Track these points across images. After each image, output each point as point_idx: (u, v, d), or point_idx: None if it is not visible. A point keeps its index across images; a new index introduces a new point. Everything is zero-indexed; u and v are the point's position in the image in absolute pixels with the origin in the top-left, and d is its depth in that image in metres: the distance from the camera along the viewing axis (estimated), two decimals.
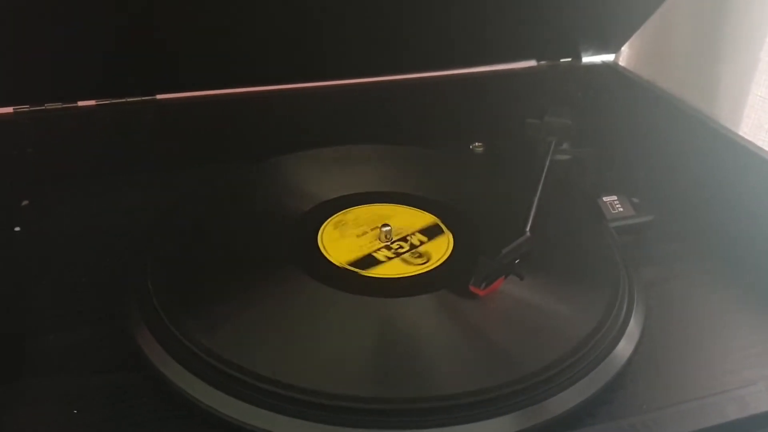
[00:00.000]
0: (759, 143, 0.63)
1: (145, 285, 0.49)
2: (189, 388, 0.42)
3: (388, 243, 0.54)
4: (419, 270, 0.52)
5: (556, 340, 0.46)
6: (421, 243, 0.54)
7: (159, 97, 0.66)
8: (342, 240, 0.55)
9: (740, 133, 0.67)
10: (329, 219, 0.57)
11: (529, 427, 0.41)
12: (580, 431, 0.37)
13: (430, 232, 0.56)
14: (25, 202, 0.63)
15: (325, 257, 0.52)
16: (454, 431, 0.40)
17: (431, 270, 0.52)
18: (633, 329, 0.48)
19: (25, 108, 0.63)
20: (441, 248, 0.54)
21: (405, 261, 0.52)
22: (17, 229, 0.59)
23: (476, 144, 0.72)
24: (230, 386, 0.42)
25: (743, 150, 0.62)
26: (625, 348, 0.47)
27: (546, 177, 0.60)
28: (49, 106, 0.63)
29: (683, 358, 0.49)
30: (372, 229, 0.55)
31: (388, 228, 0.54)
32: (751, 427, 0.36)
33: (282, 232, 0.55)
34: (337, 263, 0.52)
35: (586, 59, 0.79)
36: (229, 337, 0.45)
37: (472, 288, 0.49)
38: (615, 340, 0.47)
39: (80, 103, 0.64)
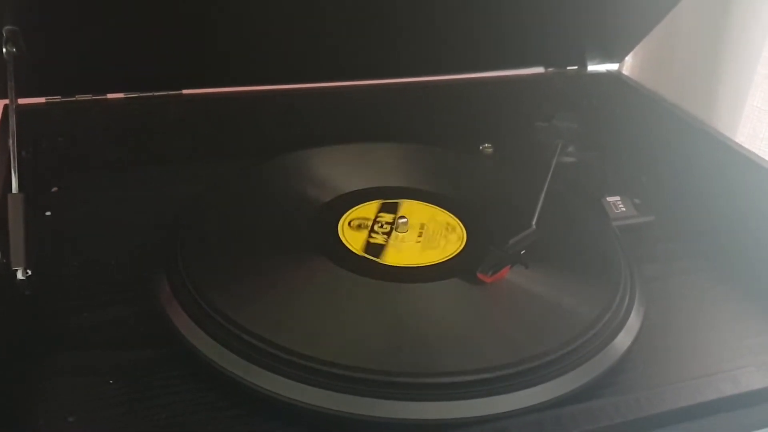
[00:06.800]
0: (755, 152, 0.66)
1: (176, 264, 0.51)
2: (218, 359, 0.45)
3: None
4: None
5: (565, 326, 0.48)
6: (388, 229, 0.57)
7: (185, 92, 0.68)
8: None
9: (737, 141, 0.69)
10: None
11: (537, 404, 0.44)
12: (587, 404, 0.39)
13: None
14: (54, 189, 0.65)
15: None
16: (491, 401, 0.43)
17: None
18: (634, 320, 0.51)
19: (56, 99, 0.65)
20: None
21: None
22: (48, 213, 0.62)
23: (486, 145, 0.74)
24: (257, 357, 0.44)
25: (740, 156, 0.64)
26: (626, 336, 0.49)
27: (552, 176, 0.62)
28: (79, 97, 0.66)
29: (681, 347, 0.52)
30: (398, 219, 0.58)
31: (404, 220, 0.57)
32: (743, 402, 0.39)
33: (306, 220, 0.58)
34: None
35: (592, 67, 0.81)
36: (256, 312, 0.47)
37: (479, 275, 0.51)
38: (617, 328, 0.49)
39: (109, 96, 0.67)
